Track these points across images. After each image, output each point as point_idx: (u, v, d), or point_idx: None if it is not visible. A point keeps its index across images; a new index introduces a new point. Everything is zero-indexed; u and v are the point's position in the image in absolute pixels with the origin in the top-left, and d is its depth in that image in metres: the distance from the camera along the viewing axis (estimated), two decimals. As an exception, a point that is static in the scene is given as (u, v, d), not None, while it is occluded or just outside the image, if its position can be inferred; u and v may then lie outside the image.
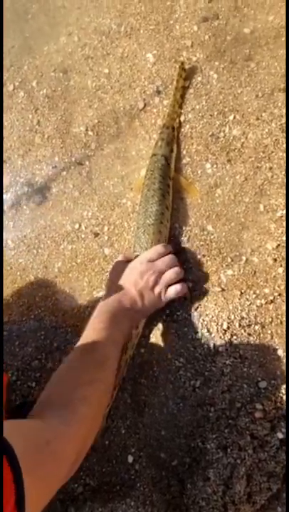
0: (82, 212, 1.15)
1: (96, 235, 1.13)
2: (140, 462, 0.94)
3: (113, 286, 0.95)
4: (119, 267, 0.98)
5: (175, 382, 0.97)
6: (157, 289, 0.94)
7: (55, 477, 0.61)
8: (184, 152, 1.08)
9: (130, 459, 0.95)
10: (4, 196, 1.24)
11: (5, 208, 1.23)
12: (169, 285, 0.96)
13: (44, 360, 1.08)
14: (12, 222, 1.22)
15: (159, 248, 0.97)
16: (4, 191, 1.24)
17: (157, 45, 1.16)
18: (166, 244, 1.01)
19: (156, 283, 0.94)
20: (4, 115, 1.28)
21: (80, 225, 1.15)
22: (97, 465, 0.95)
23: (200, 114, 1.08)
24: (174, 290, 0.95)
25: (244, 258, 1.00)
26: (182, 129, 1.09)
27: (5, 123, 1.28)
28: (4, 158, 1.26)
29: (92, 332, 0.85)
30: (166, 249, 0.98)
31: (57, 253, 1.16)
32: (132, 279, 0.93)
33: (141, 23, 1.19)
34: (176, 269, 0.96)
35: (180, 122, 1.10)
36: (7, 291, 1.19)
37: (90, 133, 1.19)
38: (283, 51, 1.06)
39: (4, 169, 1.25)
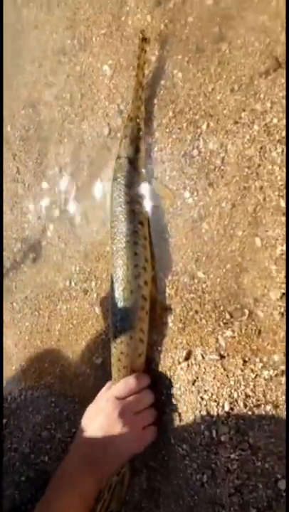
0: (70, 267, 1.02)
1: (85, 292, 0.99)
2: None
3: (79, 435, 0.82)
4: (90, 409, 0.84)
5: (184, 472, 0.80)
6: (131, 435, 0.77)
7: None
8: (158, 182, 0.86)
9: None
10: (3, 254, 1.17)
11: (6, 266, 1.16)
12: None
13: (53, 430, 1.00)
14: (14, 283, 1.15)
15: (129, 382, 0.80)
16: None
17: (112, 52, 0.94)
18: (139, 374, 0.82)
19: (128, 427, 0.77)
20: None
21: (70, 282, 1.02)
22: None
23: (167, 130, 0.85)
24: (152, 435, 0.80)
25: (246, 312, 0.76)
26: (151, 154, 0.87)
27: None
28: (-3, 214, 1.19)
29: (45, 503, 0.75)
30: (138, 382, 0.80)
31: (55, 314, 1.06)
32: (97, 425, 0.78)
33: (92, 29, 0.97)
34: (152, 411, 0.81)
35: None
36: (20, 356, 1.13)
37: (64, 173, 1.03)
38: (261, 17, 0.75)
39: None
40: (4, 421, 1.11)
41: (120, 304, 0.80)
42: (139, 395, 0.81)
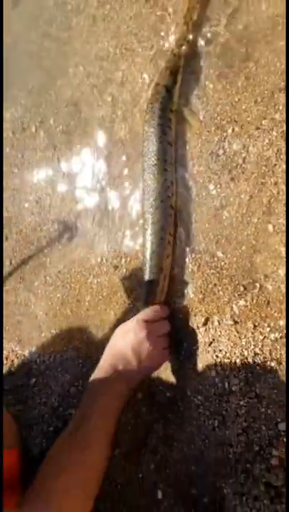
0: (103, 246, 1.17)
1: (116, 267, 1.14)
2: (169, 498, 0.95)
3: (109, 349, 0.97)
4: (119, 329, 0.98)
5: (197, 420, 0.95)
6: (154, 352, 0.93)
7: None
8: (187, 175, 1.02)
9: (160, 494, 0.96)
10: (39, 234, 1.32)
11: (42, 244, 1.31)
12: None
13: (81, 387, 1.14)
14: (48, 259, 1.29)
15: (156, 309, 0.96)
16: (39, 229, 1.32)
17: (151, 62, 1.10)
18: (163, 306, 0.98)
19: (153, 346, 0.92)
20: (30, 157, 1.34)
21: (102, 259, 1.17)
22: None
23: (198, 132, 1.00)
24: (168, 355, 0.97)
25: (258, 285, 0.92)
26: (181, 152, 1.03)
27: (32, 163, 1.34)
28: (36, 198, 1.33)
29: (84, 407, 0.89)
30: (164, 311, 0.97)
31: (86, 287, 1.20)
32: (127, 340, 0.93)
33: (133, 41, 1.13)
34: (168, 338, 0.97)
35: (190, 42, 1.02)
36: (50, 325, 1.27)
37: (102, 165, 1.18)
38: (283, 42, 0.91)
39: (36, 208, 1.32)
40: (33, 380, 1.25)
41: (153, 211, 0.97)
42: (162, 322, 0.97)
